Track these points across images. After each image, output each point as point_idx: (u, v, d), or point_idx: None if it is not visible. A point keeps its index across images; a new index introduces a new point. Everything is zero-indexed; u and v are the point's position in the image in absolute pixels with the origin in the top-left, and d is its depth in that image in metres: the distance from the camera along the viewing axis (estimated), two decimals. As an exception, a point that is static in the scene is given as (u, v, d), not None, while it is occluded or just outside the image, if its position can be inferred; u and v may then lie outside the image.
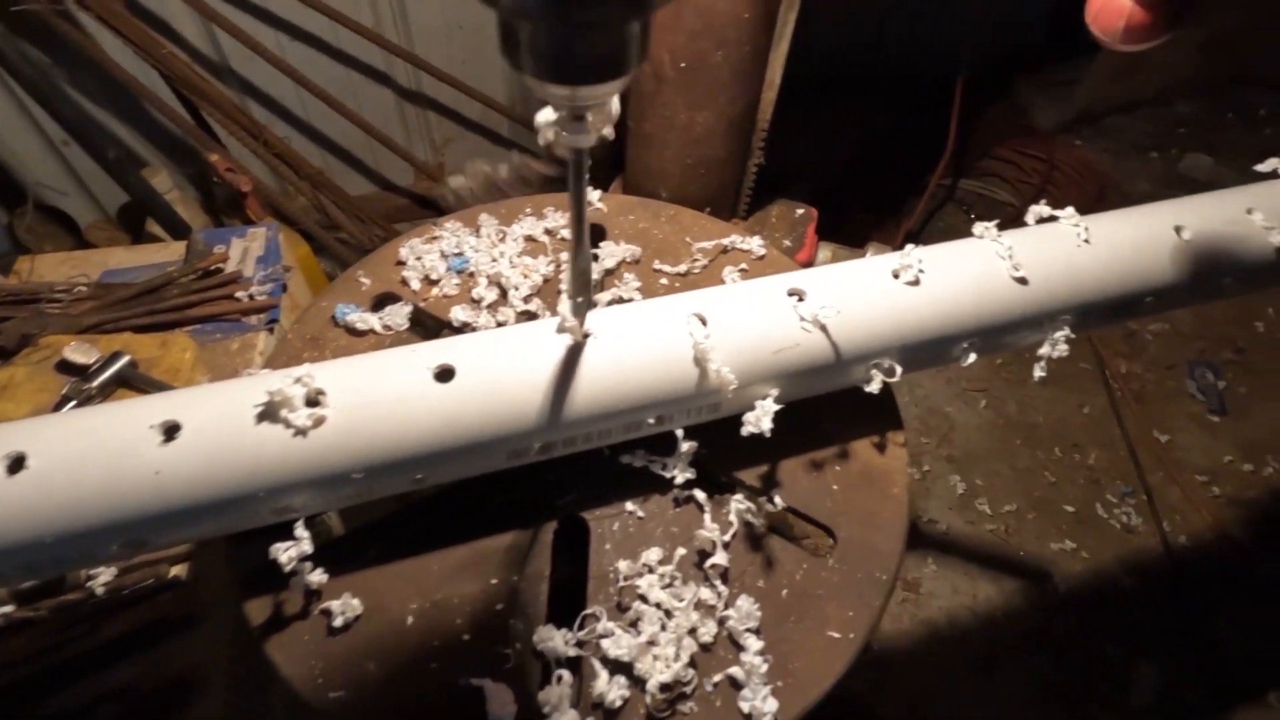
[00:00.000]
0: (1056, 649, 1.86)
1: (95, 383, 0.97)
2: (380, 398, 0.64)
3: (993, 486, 2.14)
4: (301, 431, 0.62)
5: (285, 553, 0.64)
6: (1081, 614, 1.92)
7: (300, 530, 0.65)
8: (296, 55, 2.19)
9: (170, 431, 0.61)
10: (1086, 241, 0.82)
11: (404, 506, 0.76)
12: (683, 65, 0.97)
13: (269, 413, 0.62)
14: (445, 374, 0.66)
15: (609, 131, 0.51)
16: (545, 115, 0.46)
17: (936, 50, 2.74)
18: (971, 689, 1.81)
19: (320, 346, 0.87)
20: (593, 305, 0.91)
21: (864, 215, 2.59)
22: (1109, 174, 2.94)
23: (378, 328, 0.89)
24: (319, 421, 0.62)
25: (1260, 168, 0.94)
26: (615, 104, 0.47)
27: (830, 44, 2.54)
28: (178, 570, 0.90)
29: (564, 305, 0.68)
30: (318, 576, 0.67)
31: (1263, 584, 1.95)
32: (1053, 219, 0.85)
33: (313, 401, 0.63)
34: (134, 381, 0.99)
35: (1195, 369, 2.39)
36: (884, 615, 0.74)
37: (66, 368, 1.00)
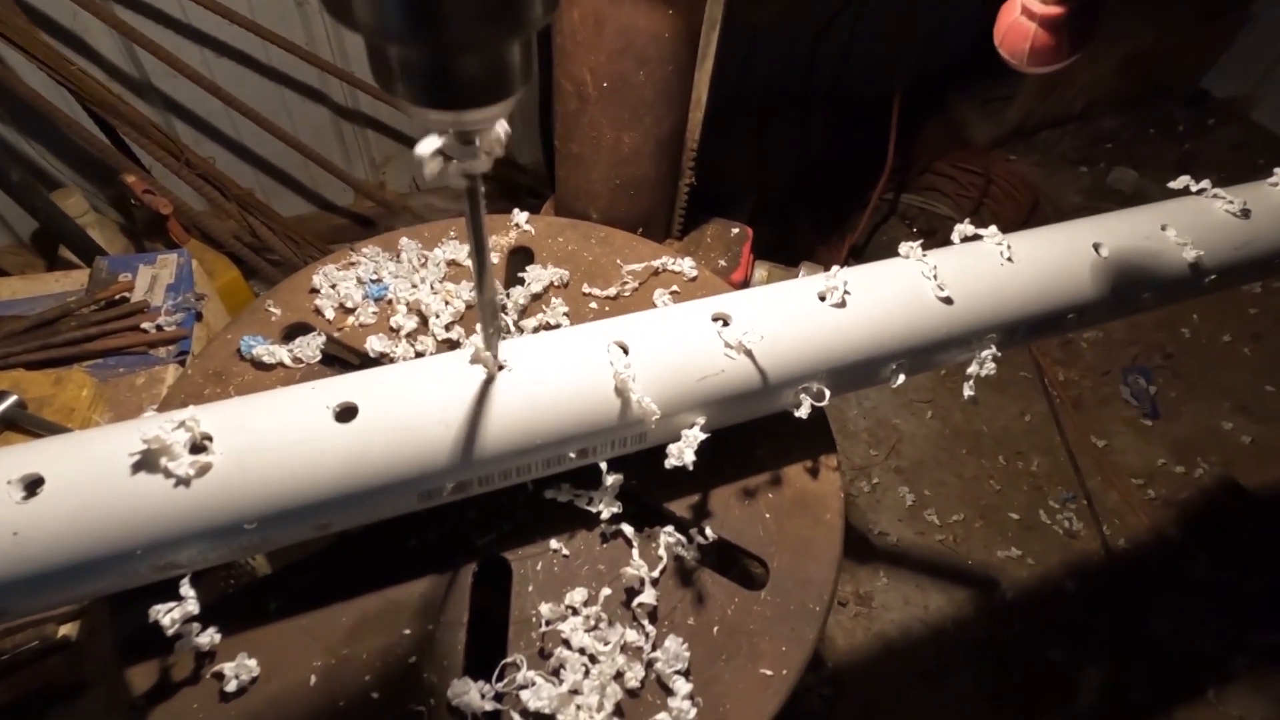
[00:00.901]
0: (1005, 656, 1.88)
1: (-23, 426, 0.89)
2: (275, 440, 0.60)
3: (940, 496, 2.17)
4: (184, 481, 0.57)
5: (167, 614, 0.59)
6: (1028, 620, 1.94)
7: (186, 588, 0.60)
8: (224, 72, 2.11)
9: (32, 487, 0.55)
10: (1010, 260, 0.82)
11: (307, 554, 0.71)
12: (605, 85, 0.95)
13: (147, 461, 0.57)
14: (347, 412, 0.62)
15: (500, 152, 0.48)
16: (428, 144, 0.43)
17: (872, 68, 2.81)
18: (924, 699, 1.81)
19: (224, 382, 0.82)
20: (508, 334, 0.88)
21: (808, 231, 2.62)
22: (1042, 187, 3.04)
23: (287, 360, 0.83)
24: (204, 469, 0.57)
25: (1173, 185, 0.97)
26: (503, 126, 0.44)
27: (769, 62, 2.57)
28: (67, 629, 0.82)
29: (476, 335, 0.65)
30: (208, 637, 0.62)
31: (1197, 582, 2.01)
32: (977, 237, 0.86)
33: (198, 447, 0.59)
34: (22, 423, 0.92)
35: (1128, 375, 2.47)
36: (838, 630, 0.72)
37: (-54, 410, 0.92)
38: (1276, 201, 0.94)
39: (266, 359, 0.83)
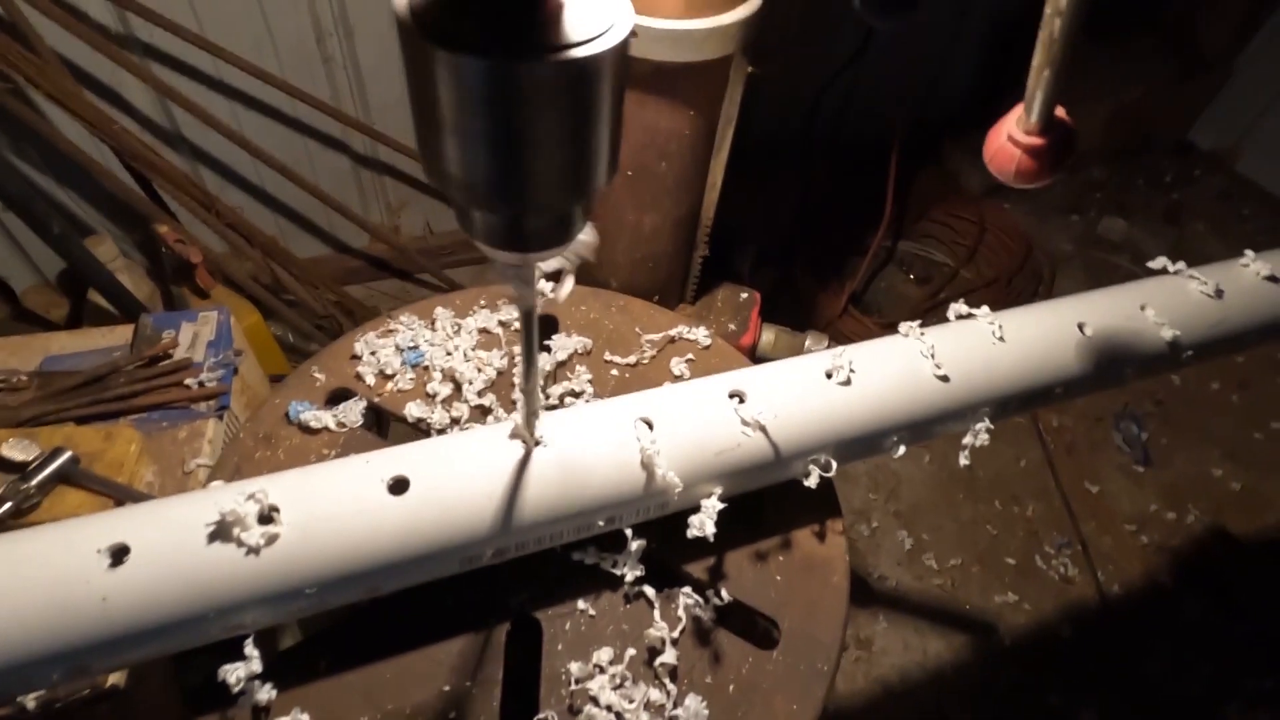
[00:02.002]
0: (1003, 701, 1.91)
1: (34, 481, 0.94)
2: (335, 512, 0.66)
3: (938, 540, 2.22)
4: (254, 550, 0.62)
5: (234, 673, 0.64)
6: (1025, 665, 1.98)
7: (250, 648, 0.65)
8: (251, 124, 2.20)
9: (119, 555, 0.61)
10: (1001, 339, 0.89)
11: (353, 613, 0.76)
12: (630, 173, 1.04)
13: (221, 532, 0.62)
14: (399, 485, 0.68)
15: (588, 256, 0.54)
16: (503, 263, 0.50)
17: (871, 120, 2.92)
18: (925, 746, 1.84)
19: (273, 445, 0.88)
20: (545, 400, 0.94)
21: (809, 278, 2.70)
22: (1034, 235, 3.14)
23: (332, 425, 0.90)
24: (272, 539, 0.63)
25: (1151, 264, 1.05)
26: (590, 234, 0.51)
27: (771, 114, 2.69)
28: (115, 678, 0.87)
29: (517, 414, 0.71)
30: (266, 693, 0.67)
31: (1189, 627, 2.06)
32: (970, 316, 0.93)
33: (266, 518, 0.64)
34: (76, 479, 0.97)
35: (1120, 421, 2.54)
36: (838, 675, 0.78)
37: (3, 465, 0.98)
38: (1248, 283, 1.02)
39: (313, 424, 0.89)
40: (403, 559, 0.67)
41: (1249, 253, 1.05)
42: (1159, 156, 3.65)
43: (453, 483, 0.69)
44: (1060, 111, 0.63)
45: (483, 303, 1.06)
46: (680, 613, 0.77)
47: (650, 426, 0.75)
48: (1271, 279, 1.02)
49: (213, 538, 0.62)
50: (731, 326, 1.25)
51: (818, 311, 2.64)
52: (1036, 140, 0.64)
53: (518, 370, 0.95)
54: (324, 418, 0.89)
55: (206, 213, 1.88)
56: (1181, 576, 2.17)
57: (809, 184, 2.81)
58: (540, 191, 0.41)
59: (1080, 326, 0.92)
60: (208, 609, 0.61)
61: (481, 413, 0.93)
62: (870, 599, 2.08)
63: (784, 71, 2.44)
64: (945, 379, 0.84)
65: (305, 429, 0.89)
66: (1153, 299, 0.97)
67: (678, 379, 0.99)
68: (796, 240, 2.81)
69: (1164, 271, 1.03)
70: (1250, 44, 3.41)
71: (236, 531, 0.62)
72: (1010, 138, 0.65)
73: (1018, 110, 0.65)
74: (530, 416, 0.69)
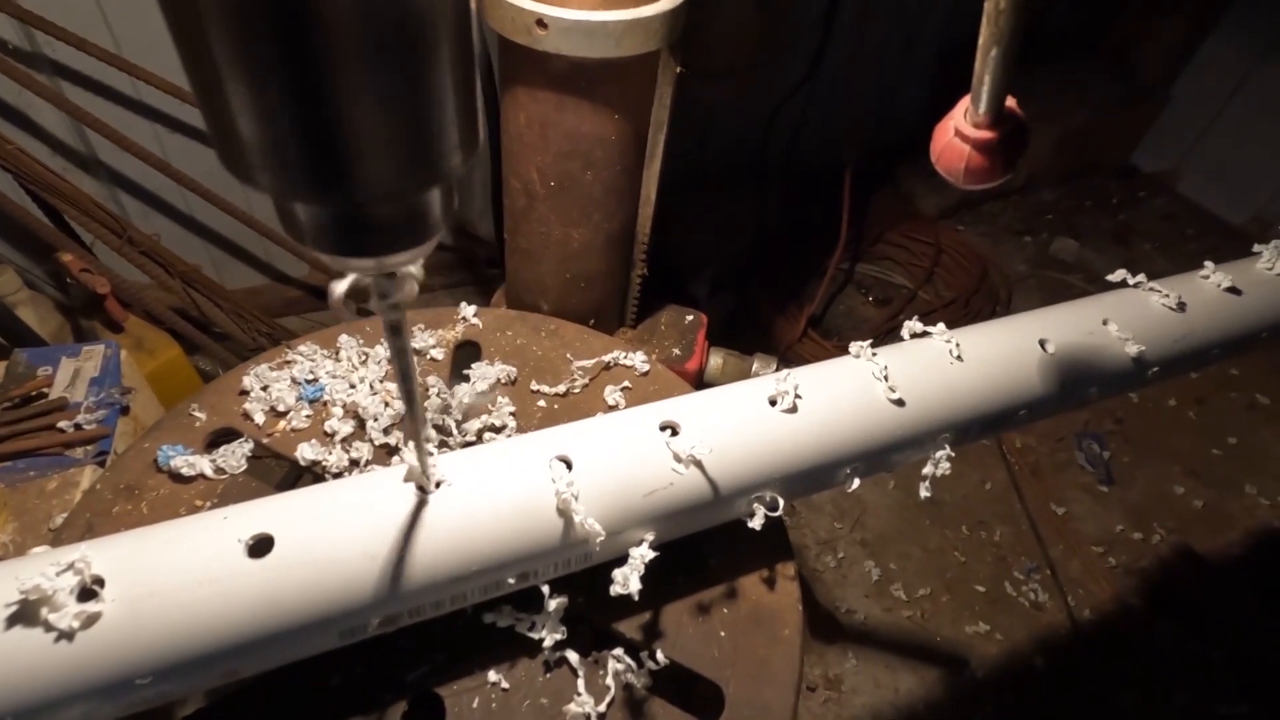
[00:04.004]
0: (979, 739, 1.82)
1: None
2: (177, 582, 0.54)
3: (906, 570, 2.14)
4: (67, 635, 0.51)
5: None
6: (998, 699, 1.89)
7: (71, 755, 0.53)
8: (176, 148, 2.08)
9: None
10: (959, 359, 0.82)
11: (219, 696, 0.64)
12: (552, 184, 0.95)
13: (24, 614, 0.51)
14: (261, 546, 0.57)
15: (414, 289, 0.46)
16: (340, 286, 0.40)
17: (825, 144, 2.91)
18: (899, 791, 1.73)
19: (136, 498, 0.76)
20: (451, 436, 0.83)
21: (766, 302, 2.65)
22: (989, 256, 3.15)
23: (209, 472, 0.78)
24: (91, 620, 0.51)
25: (1111, 277, 0.99)
26: (418, 269, 0.42)
27: (724, 139, 2.65)
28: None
29: (409, 454, 0.61)
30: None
31: (1162, 654, 2.00)
32: (926, 334, 0.85)
33: (88, 592, 0.53)
34: (-91, 541, 0.83)
35: (1082, 441, 2.51)
36: (808, 718, 0.68)
37: None
38: (1209, 295, 0.97)
39: (186, 470, 0.77)
40: (263, 635, 0.55)
41: (1209, 264, 1.00)
42: (1105, 179, 3.73)
43: (327, 539, 0.58)
44: (1011, 102, 0.57)
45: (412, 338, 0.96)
46: (609, 680, 0.67)
47: (568, 466, 0.65)
48: (1233, 290, 0.97)
49: (12, 621, 0.50)
50: (676, 351, 1.16)
51: (776, 336, 2.59)
52: (986, 134, 0.57)
53: (429, 403, 0.85)
54: (199, 463, 0.78)
55: (119, 240, 1.74)
56: (1151, 600, 2.12)
57: (764, 208, 2.78)
58: (370, 167, 0.32)
59: (1042, 343, 0.86)
60: (2, 711, 0.49)
61: (387, 452, 0.82)
62: (839, 635, 1.98)
63: (736, 95, 2.42)
64: (900, 403, 0.76)
65: (177, 477, 0.77)
66: (1114, 313, 0.92)
67: (612, 409, 0.89)
68: (753, 265, 2.76)
69: (1124, 284, 0.98)
70: (1184, 71, 3.52)
71: (44, 612, 0.50)
72: (958, 132, 0.58)
73: (965, 102, 0.58)
74: (422, 456, 0.59)
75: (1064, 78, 3.46)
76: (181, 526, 0.58)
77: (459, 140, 0.34)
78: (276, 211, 0.38)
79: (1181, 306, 0.94)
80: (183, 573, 0.55)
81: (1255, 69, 3.27)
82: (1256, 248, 1.03)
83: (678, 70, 0.89)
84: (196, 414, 0.83)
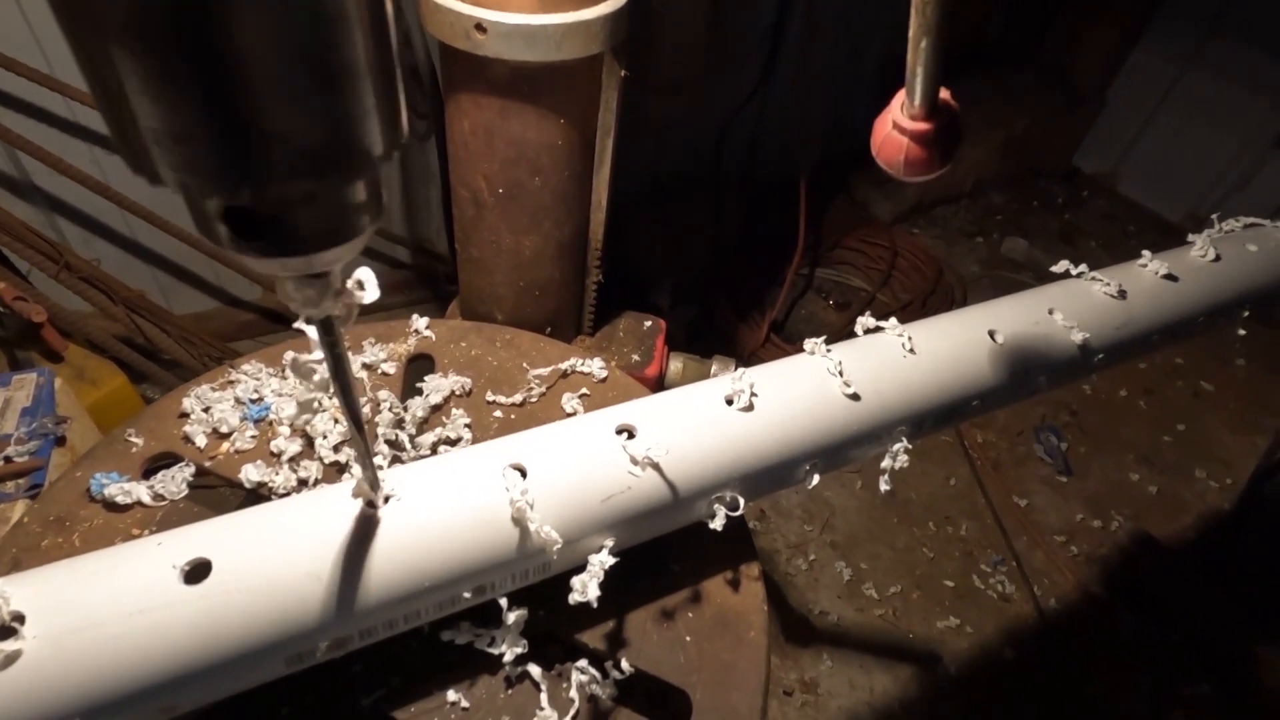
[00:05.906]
0: (953, 734, 1.83)
1: None
2: (105, 615, 0.51)
3: (877, 569, 2.15)
4: (-18, 677, 0.47)
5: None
6: (971, 693, 1.91)
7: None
8: (116, 170, 2.01)
9: None
10: (912, 351, 0.82)
11: (160, 735, 0.61)
12: (501, 192, 0.94)
13: (-66, 657, 0.47)
14: (198, 571, 0.54)
15: (362, 296, 0.44)
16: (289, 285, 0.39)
17: (780, 154, 2.96)
18: (878, 792, 1.73)
19: (68, 530, 0.72)
20: (405, 451, 0.81)
21: (728, 310, 2.66)
22: (943, 257, 3.23)
23: (146, 499, 0.74)
24: (10, 660, 0.48)
25: (1055, 269, 1.02)
26: (368, 276, 0.41)
27: (681, 151, 2.67)
28: None
29: (356, 468, 0.59)
30: None
31: (1126, 642, 2.05)
32: (879, 329, 0.86)
33: (6, 630, 0.49)
34: None
35: (1040, 434, 2.57)
36: None
37: None
38: (1147, 282, 1.00)
39: (121, 499, 0.73)
40: (202, 666, 0.52)
41: (1146, 253, 1.03)
42: (1050, 181, 3.86)
43: (269, 561, 0.55)
44: (945, 94, 0.58)
45: (346, 342, 0.93)
46: (573, 693, 0.65)
47: (523, 474, 0.64)
48: (1170, 277, 1.00)
49: (-80, 665, 0.47)
50: (635, 357, 1.15)
51: (740, 343, 2.60)
52: (922, 125, 0.57)
53: (380, 418, 0.83)
54: (136, 490, 0.74)
55: (55, 266, 1.67)
56: (1113, 587, 2.17)
57: (723, 219, 2.80)
58: (280, 156, 0.31)
59: (991, 334, 0.87)
60: (-93, 765, 0.46)
61: (337, 470, 0.79)
62: (813, 637, 1.98)
63: (689, 107, 2.45)
64: (855, 397, 0.77)
65: (111, 506, 0.73)
66: (1059, 303, 0.94)
67: (570, 416, 0.88)
68: (714, 274, 2.78)
69: (1067, 275, 1.01)
70: (1117, 78, 3.67)
71: (-44, 654, 0.47)
72: (896, 125, 0.59)
73: (901, 95, 0.59)
74: (367, 469, 0.57)
75: (1005, 86, 3.58)
76: (111, 556, 0.55)
77: (379, 131, 0.33)
78: (192, 217, 0.36)
79: (1122, 294, 0.97)
80: (112, 604, 0.51)
81: (1181, 74, 3.43)
82: (1190, 237, 1.07)
83: (623, 74, 0.89)
84: (133, 439, 0.79)
